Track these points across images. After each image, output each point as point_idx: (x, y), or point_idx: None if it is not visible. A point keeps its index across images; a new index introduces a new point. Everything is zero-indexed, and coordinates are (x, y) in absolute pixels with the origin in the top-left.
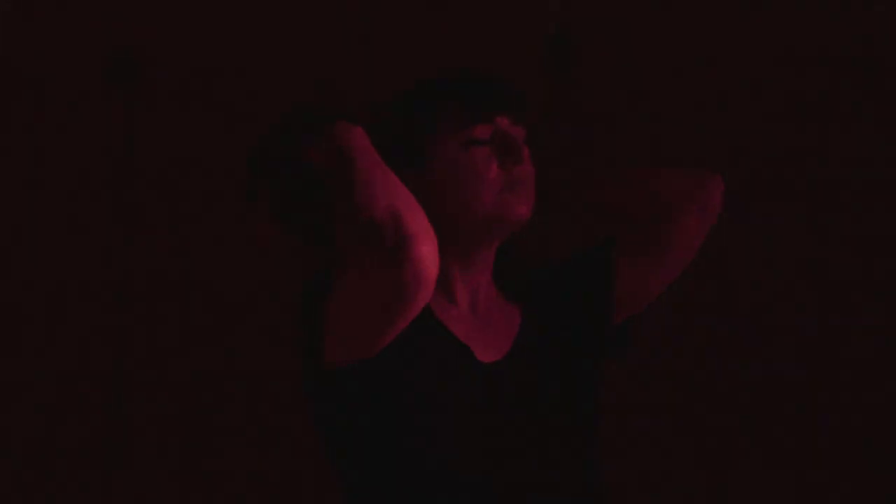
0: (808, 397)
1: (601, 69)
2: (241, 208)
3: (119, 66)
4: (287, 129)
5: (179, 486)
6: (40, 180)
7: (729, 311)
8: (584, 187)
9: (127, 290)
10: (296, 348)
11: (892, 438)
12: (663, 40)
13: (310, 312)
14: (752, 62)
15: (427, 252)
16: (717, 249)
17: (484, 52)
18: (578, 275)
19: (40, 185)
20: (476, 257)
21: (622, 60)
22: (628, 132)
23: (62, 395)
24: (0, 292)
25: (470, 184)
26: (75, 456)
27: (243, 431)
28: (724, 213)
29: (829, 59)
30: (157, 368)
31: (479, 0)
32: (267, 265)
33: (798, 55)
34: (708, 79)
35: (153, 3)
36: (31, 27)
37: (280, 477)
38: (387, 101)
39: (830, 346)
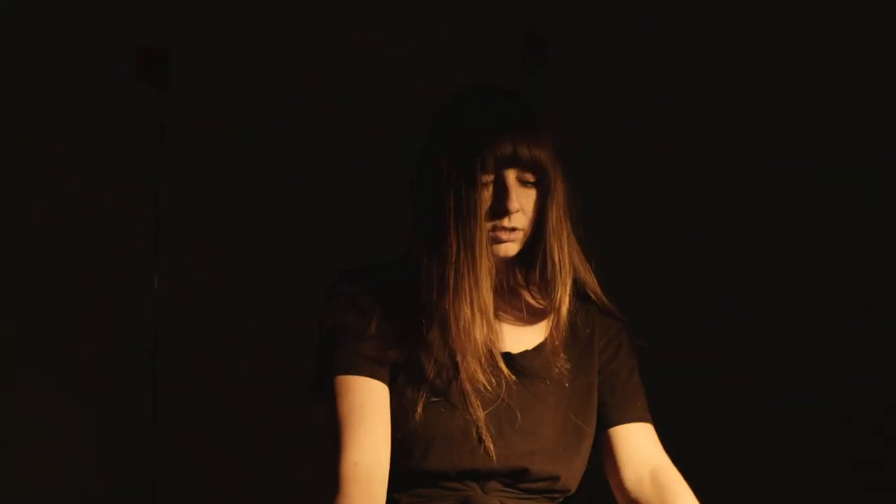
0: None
1: (574, 69)
2: (271, 204)
3: (149, 61)
4: None
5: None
6: (70, 176)
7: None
8: None
9: (155, 289)
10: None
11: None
12: (636, 41)
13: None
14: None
15: None
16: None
17: (461, 51)
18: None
19: (70, 181)
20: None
21: (595, 61)
22: (608, 132)
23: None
24: (29, 285)
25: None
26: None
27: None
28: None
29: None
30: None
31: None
32: (295, 261)
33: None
34: (683, 78)
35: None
36: (62, 23)
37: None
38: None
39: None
